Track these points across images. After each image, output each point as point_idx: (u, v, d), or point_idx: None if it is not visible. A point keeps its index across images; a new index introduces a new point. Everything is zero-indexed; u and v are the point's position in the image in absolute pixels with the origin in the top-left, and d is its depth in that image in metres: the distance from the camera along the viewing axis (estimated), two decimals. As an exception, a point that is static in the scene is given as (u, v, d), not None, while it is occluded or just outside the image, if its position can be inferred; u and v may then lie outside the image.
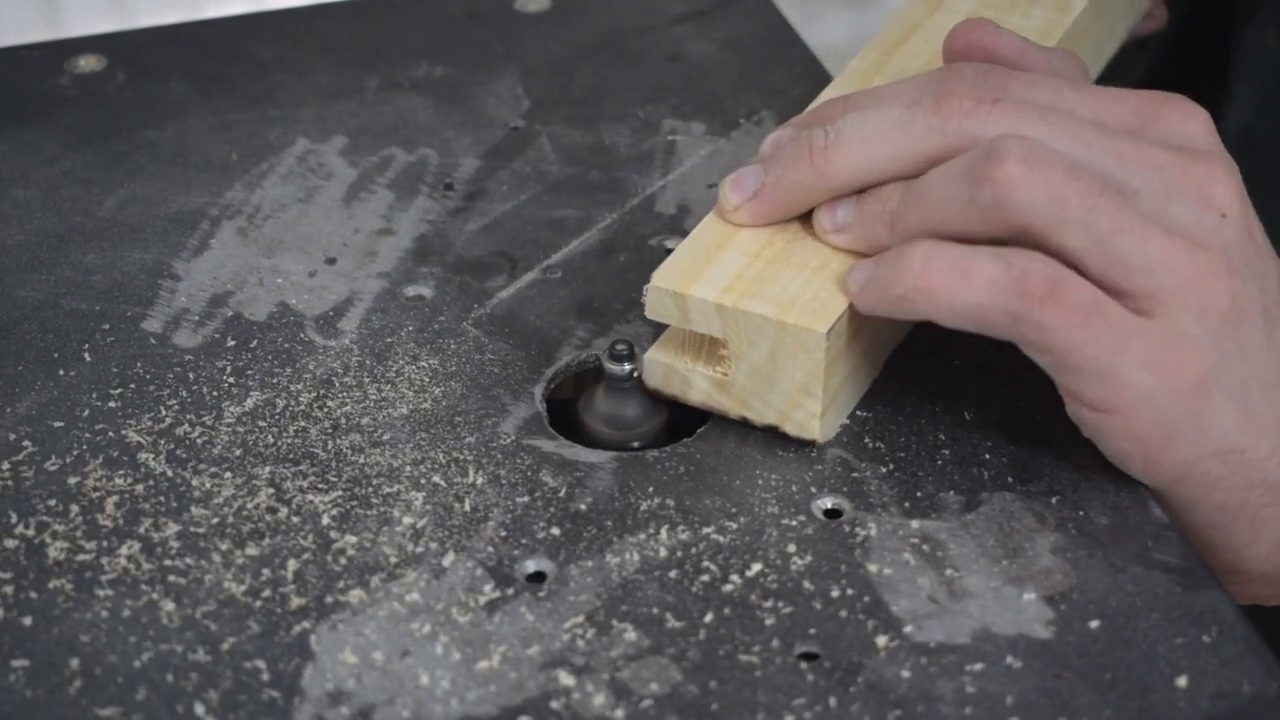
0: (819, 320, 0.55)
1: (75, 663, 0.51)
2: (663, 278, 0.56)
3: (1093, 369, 0.53)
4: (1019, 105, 0.55)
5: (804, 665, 0.50)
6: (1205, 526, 0.56)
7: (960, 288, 0.53)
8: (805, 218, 0.58)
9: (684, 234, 0.61)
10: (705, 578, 0.53)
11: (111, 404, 0.59)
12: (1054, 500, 0.55)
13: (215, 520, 0.55)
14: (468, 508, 0.55)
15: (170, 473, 0.57)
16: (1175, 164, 0.55)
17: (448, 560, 0.54)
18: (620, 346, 0.58)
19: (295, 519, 0.55)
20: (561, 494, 0.56)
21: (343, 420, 0.59)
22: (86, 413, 0.59)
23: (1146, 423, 0.53)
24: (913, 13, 0.67)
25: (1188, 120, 0.56)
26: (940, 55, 0.61)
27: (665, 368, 0.58)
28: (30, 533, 0.55)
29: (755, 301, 0.56)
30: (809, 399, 0.56)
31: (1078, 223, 0.53)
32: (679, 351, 0.58)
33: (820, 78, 0.74)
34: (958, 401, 0.59)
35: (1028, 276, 0.52)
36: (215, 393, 0.60)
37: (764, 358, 0.56)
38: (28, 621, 0.52)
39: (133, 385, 0.60)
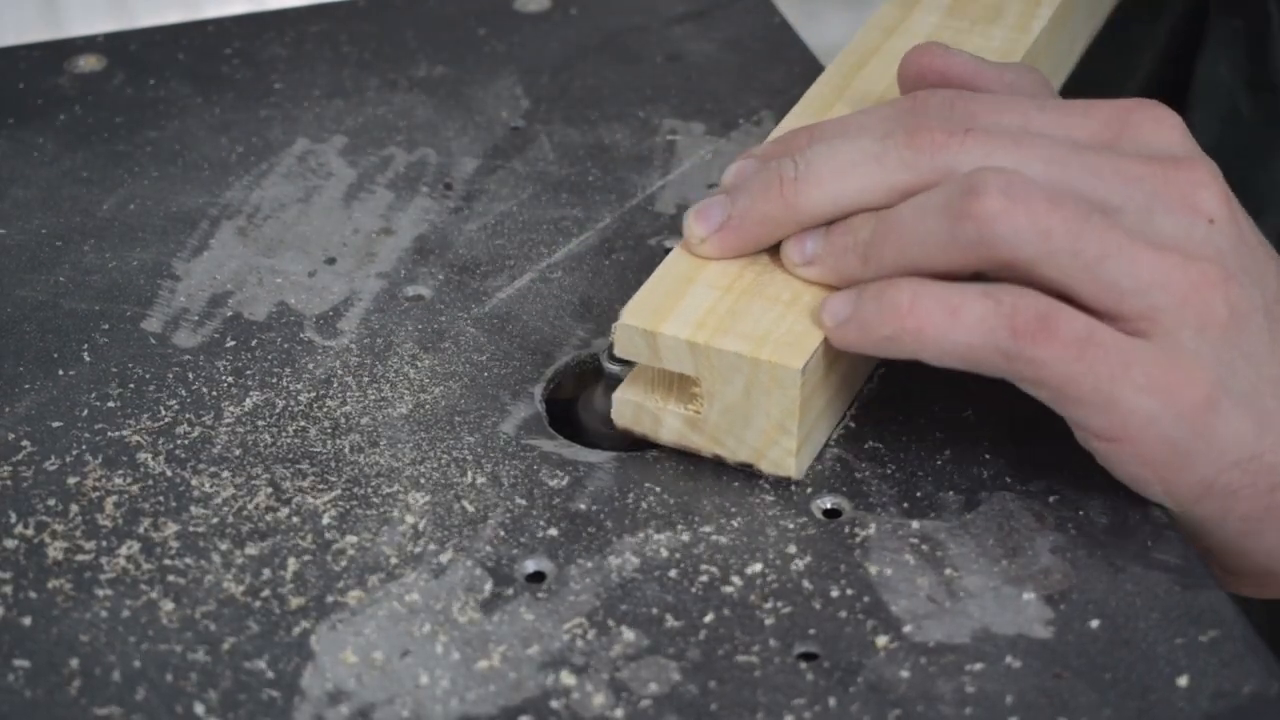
0: (794, 356, 0.54)
1: (75, 662, 0.51)
2: (632, 315, 0.55)
3: (1093, 399, 0.52)
4: (990, 133, 0.55)
5: (803, 665, 0.50)
6: (1236, 536, 0.55)
7: (950, 327, 0.52)
8: (774, 250, 0.57)
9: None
10: (705, 578, 0.53)
11: (111, 404, 0.59)
12: (1054, 500, 0.55)
13: (215, 520, 0.55)
14: (467, 508, 0.55)
15: (170, 473, 0.57)
16: (1155, 175, 0.54)
17: (447, 560, 0.54)
18: (620, 346, 0.58)
19: (295, 519, 0.55)
20: (561, 494, 0.56)
21: (342, 420, 0.59)
22: (86, 413, 0.59)
23: (1156, 446, 0.52)
24: (869, 38, 0.67)
25: (1160, 126, 0.56)
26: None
27: (635, 406, 0.57)
28: (30, 533, 0.55)
29: (728, 338, 0.54)
30: (784, 436, 0.55)
31: (1064, 252, 0.52)
32: (649, 389, 0.57)
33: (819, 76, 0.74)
34: (958, 401, 0.59)
35: (1017, 313, 0.52)
36: (215, 393, 0.60)
37: (738, 395, 0.55)
38: (27, 621, 0.52)
39: (132, 385, 0.60)
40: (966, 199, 0.52)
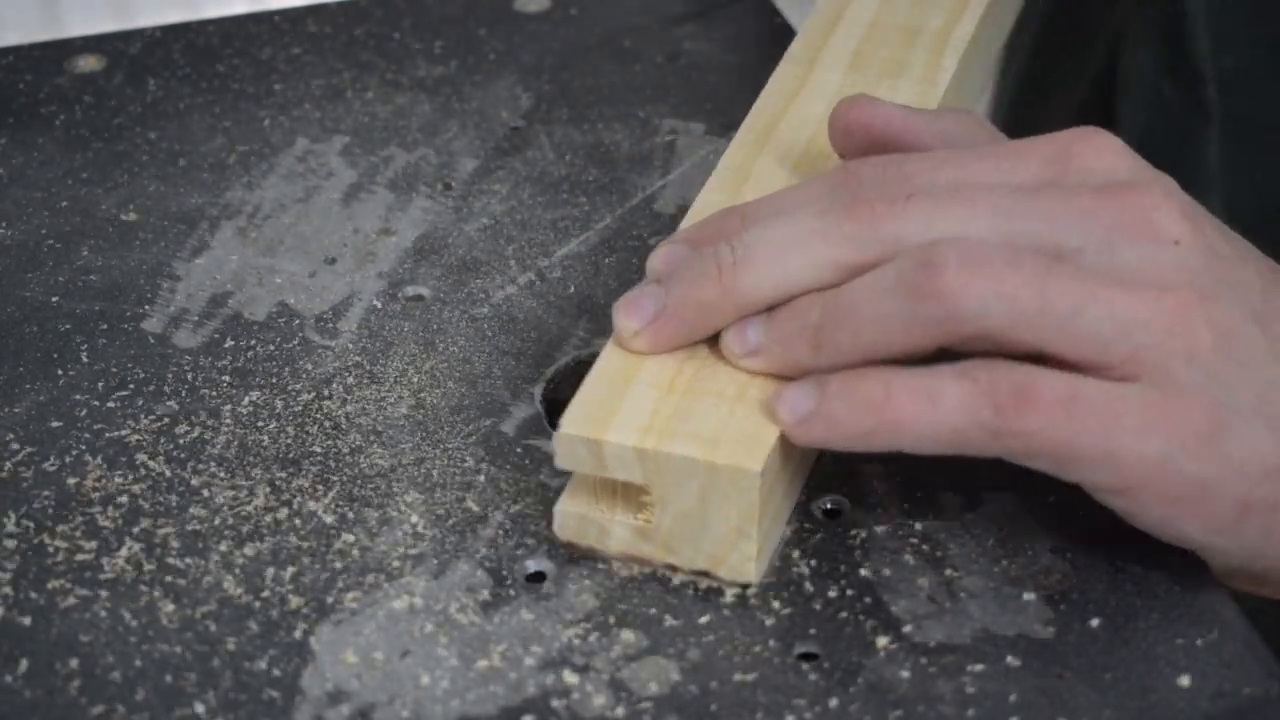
0: (751, 457, 0.50)
1: (74, 663, 0.51)
2: (572, 424, 0.51)
3: (1092, 456, 0.50)
4: (930, 194, 0.52)
5: (804, 665, 0.50)
6: None
7: (931, 415, 0.50)
8: (712, 340, 0.54)
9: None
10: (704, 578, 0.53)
11: (110, 404, 0.59)
12: (1053, 500, 0.55)
13: (215, 520, 0.55)
14: (467, 508, 0.55)
15: (169, 473, 0.57)
16: (1108, 205, 0.51)
17: (447, 560, 0.54)
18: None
19: (295, 519, 0.55)
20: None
21: (342, 420, 0.59)
22: (85, 413, 0.59)
23: (1174, 485, 0.50)
24: (773, 101, 0.63)
25: (1103, 153, 0.53)
26: (813, 141, 0.59)
27: (579, 519, 0.53)
28: (29, 533, 0.55)
29: (677, 441, 0.51)
30: (744, 540, 0.51)
31: (1033, 313, 0.49)
32: (593, 500, 0.53)
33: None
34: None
35: (995, 386, 0.49)
36: (214, 393, 0.59)
37: (692, 501, 0.51)
38: (27, 621, 0.52)
39: (132, 385, 0.60)
40: (924, 276, 0.50)
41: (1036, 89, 0.91)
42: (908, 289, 0.50)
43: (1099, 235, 0.51)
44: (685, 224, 0.57)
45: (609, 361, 0.54)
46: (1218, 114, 0.77)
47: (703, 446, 0.51)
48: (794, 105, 0.63)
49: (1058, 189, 0.52)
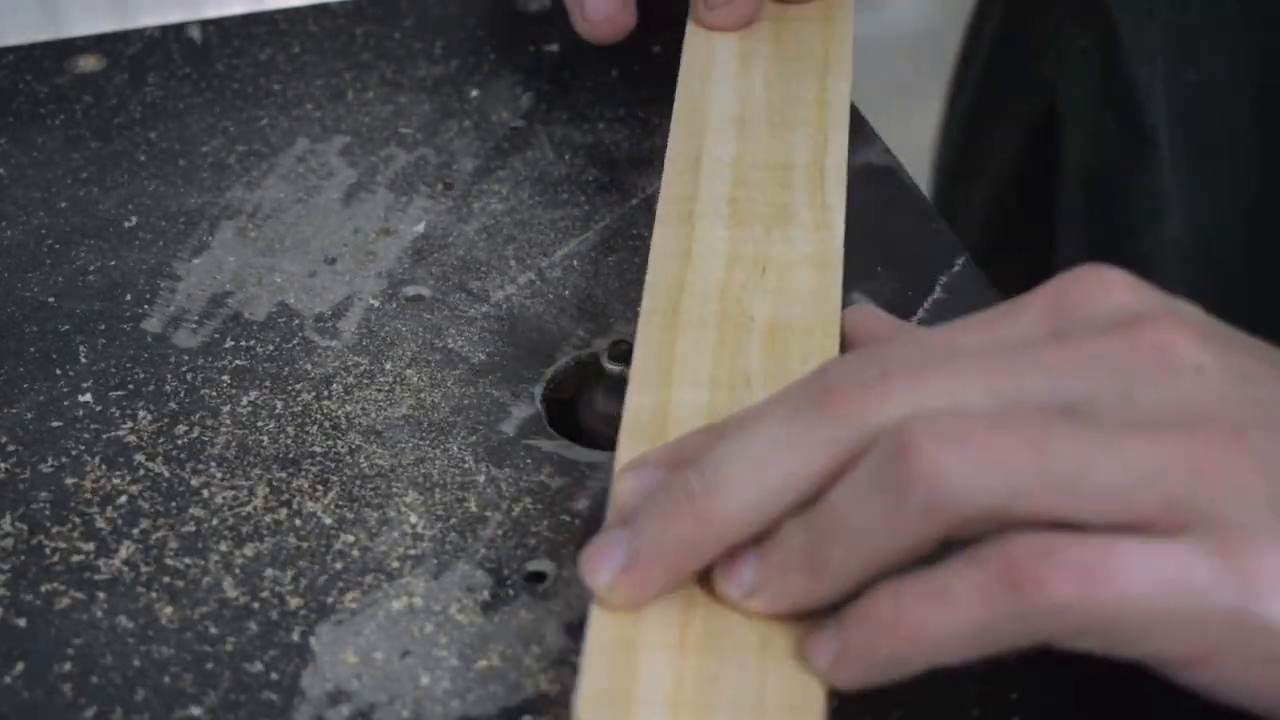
0: None
1: (72, 664, 0.51)
2: (590, 709, 0.44)
3: (1149, 623, 0.42)
4: (910, 370, 0.45)
5: (804, 666, 0.50)
6: None
7: (945, 615, 0.43)
8: (706, 573, 0.47)
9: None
10: (705, 578, 0.53)
11: (110, 404, 0.59)
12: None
13: (214, 521, 0.55)
14: (467, 508, 0.55)
15: (168, 473, 0.56)
16: (1117, 346, 0.45)
17: (447, 560, 0.54)
18: (620, 346, 0.58)
19: (294, 520, 0.55)
20: (561, 494, 0.56)
21: (342, 420, 0.58)
22: (84, 413, 0.59)
23: (1260, 645, 0.43)
24: (668, 268, 0.57)
25: (1107, 289, 0.46)
26: (726, 315, 0.55)
27: None
28: (27, 534, 0.54)
29: (718, 714, 0.44)
30: None
31: (1033, 478, 0.43)
32: None
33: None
34: (959, 401, 0.58)
35: (1008, 564, 0.43)
36: (214, 393, 0.59)
37: None
38: (24, 623, 0.52)
39: (131, 385, 0.60)
40: (898, 463, 0.43)
41: (981, 124, 0.91)
42: (885, 482, 0.44)
43: (1110, 382, 0.44)
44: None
45: (601, 628, 0.46)
46: (1171, 137, 0.76)
47: (749, 717, 0.44)
48: (690, 273, 0.57)
49: (1057, 338, 0.46)
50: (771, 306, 0.56)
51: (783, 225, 0.59)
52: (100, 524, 0.55)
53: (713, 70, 0.67)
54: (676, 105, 0.65)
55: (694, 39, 0.69)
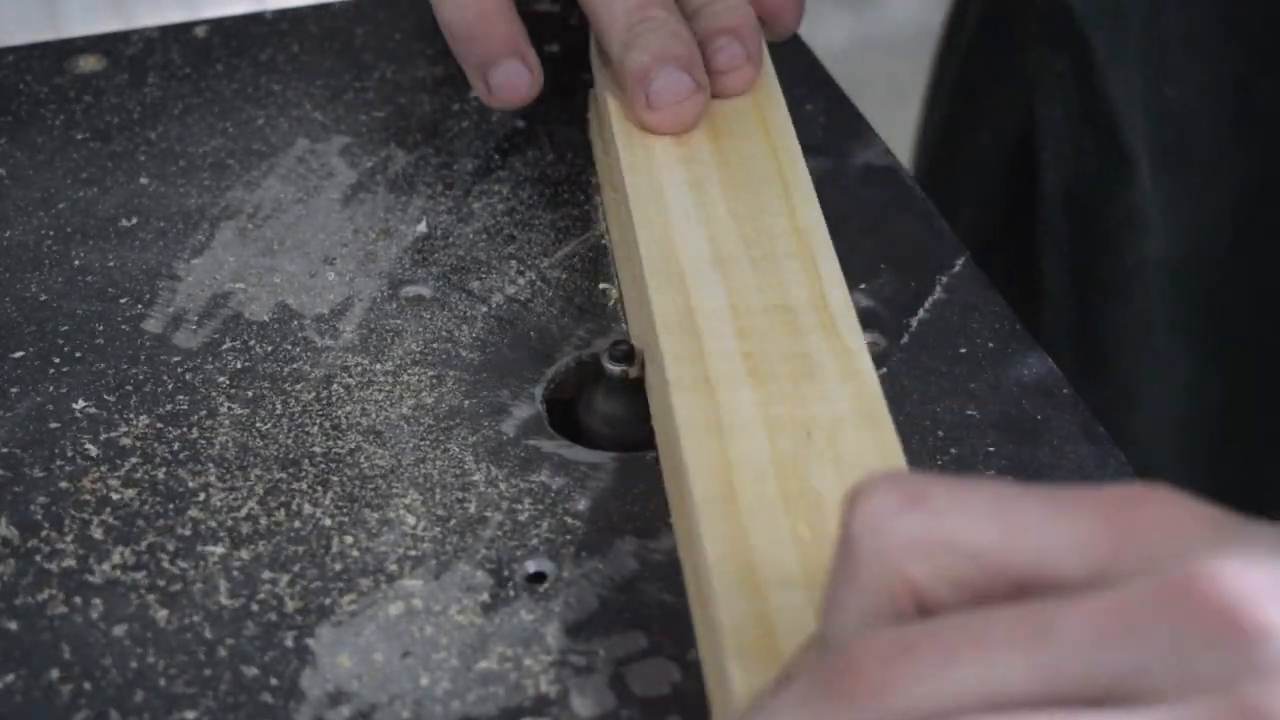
0: None
1: (70, 668, 0.51)
2: None
3: None
4: (937, 638, 0.37)
5: (805, 666, 0.50)
6: None
7: None
8: None
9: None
10: (705, 578, 0.53)
11: (109, 405, 0.59)
12: (1056, 500, 0.55)
13: (213, 522, 0.55)
14: (468, 508, 0.55)
15: (168, 474, 0.56)
16: (1172, 607, 0.36)
17: (447, 561, 0.54)
18: (620, 346, 0.58)
19: (294, 521, 0.55)
20: (561, 494, 0.56)
21: (342, 420, 0.58)
22: (83, 413, 0.59)
23: None
24: (702, 442, 0.52)
25: (1176, 523, 0.38)
26: (767, 497, 0.49)
27: None
28: (24, 536, 0.54)
29: None
30: None
31: None
32: None
33: (820, 78, 0.74)
34: (959, 401, 0.58)
35: None
36: (214, 393, 0.59)
37: None
38: (21, 626, 0.52)
39: (130, 386, 0.60)
40: None
41: (957, 145, 0.91)
42: None
43: (1163, 657, 0.36)
44: None
45: None
46: (1151, 153, 0.76)
47: None
48: (731, 448, 0.51)
49: (1103, 598, 0.37)
50: (834, 477, 0.50)
51: (808, 379, 0.53)
52: (99, 525, 0.55)
53: (669, 206, 0.60)
54: (643, 252, 0.58)
55: (635, 173, 0.61)
